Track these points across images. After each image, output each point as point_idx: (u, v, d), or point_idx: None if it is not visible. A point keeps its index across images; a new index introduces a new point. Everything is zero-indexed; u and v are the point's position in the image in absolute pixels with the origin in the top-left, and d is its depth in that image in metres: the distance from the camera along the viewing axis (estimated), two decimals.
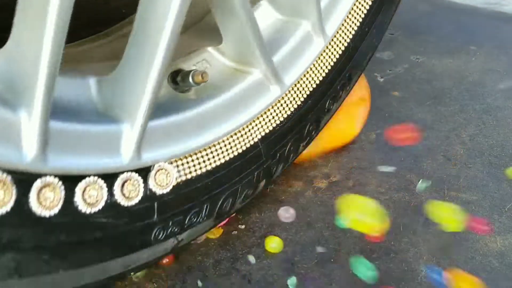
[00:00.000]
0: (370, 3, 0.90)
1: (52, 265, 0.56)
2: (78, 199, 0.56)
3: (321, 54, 0.85)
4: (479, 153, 1.07)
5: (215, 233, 0.83)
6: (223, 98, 0.72)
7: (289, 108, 0.82)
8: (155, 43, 0.56)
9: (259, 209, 0.90)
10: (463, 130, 1.15)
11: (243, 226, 0.86)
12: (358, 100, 1.06)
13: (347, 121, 1.05)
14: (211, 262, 0.79)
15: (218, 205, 0.75)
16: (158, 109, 0.64)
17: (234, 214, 0.87)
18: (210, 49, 0.75)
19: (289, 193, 0.94)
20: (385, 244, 0.83)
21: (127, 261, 0.66)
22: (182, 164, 0.68)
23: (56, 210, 0.54)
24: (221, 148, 0.73)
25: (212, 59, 0.74)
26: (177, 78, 0.68)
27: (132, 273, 0.76)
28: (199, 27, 0.84)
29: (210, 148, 0.71)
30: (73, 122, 0.55)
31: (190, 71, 0.67)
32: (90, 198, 0.57)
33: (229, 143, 0.74)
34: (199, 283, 0.75)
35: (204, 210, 0.73)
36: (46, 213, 0.53)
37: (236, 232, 0.85)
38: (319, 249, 0.81)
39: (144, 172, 0.63)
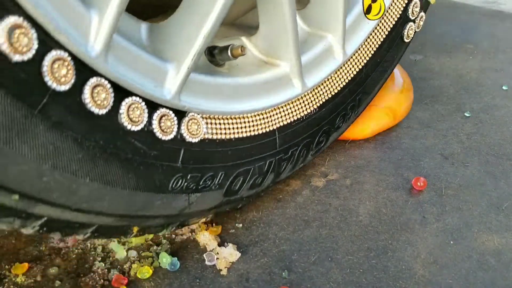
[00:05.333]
0: (382, 39, 0.97)
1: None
2: (123, 111, 0.59)
3: (339, 69, 0.91)
4: (476, 152, 1.07)
5: (213, 231, 0.83)
6: (250, 80, 0.78)
7: (306, 109, 0.87)
8: None
9: (256, 207, 0.90)
10: (460, 129, 1.15)
11: (240, 225, 0.86)
12: (407, 91, 1.19)
13: (397, 103, 1.16)
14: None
15: (230, 180, 0.78)
16: (198, 68, 0.69)
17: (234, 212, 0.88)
18: (244, 38, 0.81)
19: (287, 192, 0.94)
20: (383, 242, 0.83)
21: (144, 200, 0.67)
22: (211, 123, 0.72)
23: (104, 111, 0.57)
24: (244, 123, 0.77)
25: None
26: (214, 51, 0.73)
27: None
28: (238, 22, 0.93)
29: (235, 118, 0.76)
30: (130, 44, 0.60)
31: (229, 45, 0.72)
32: (133, 115, 0.61)
33: (252, 121, 0.79)
34: (197, 281, 0.75)
35: (218, 178, 0.76)
36: (97, 111, 0.56)
37: (233, 230, 0.85)
38: (317, 248, 0.82)
39: (180, 115, 0.67)
